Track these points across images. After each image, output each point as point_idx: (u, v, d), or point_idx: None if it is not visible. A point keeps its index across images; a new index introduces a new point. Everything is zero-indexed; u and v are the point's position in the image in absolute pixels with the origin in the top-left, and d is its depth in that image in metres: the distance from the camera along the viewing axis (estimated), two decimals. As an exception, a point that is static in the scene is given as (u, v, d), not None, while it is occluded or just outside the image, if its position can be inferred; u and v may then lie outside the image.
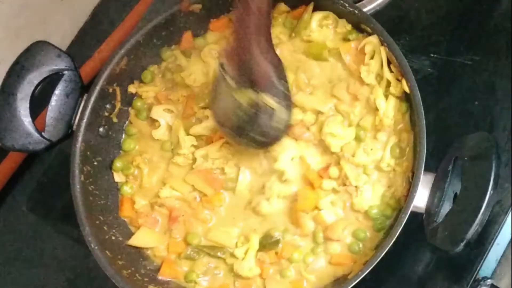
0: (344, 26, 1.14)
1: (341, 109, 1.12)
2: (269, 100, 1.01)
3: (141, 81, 1.22)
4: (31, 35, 1.23)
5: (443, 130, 1.17)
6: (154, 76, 1.22)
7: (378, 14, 1.25)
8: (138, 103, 1.21)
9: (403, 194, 1.06)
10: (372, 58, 1.11)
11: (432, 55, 1.23)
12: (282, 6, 1.19)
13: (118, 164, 1.19)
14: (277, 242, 1.10)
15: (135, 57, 1.18)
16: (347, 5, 1.09)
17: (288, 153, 1.10)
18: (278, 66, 1.03)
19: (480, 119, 1.17)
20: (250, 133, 1.05)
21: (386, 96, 1.09)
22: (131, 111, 1.22)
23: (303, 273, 1.09)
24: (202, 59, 1.20)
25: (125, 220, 1.17)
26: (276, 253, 1.10)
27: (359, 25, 1.12)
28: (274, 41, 1.15)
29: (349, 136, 1.10)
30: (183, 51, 1.21)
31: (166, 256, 1.14)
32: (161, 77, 1.22)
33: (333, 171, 1.10)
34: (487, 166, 0.92)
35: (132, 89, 1.21)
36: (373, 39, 1.10)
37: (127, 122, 1.22)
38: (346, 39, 1.14)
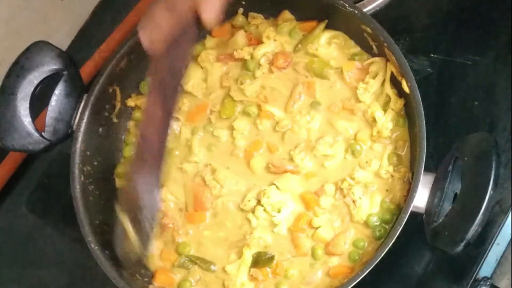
0: (353, 47, 1.15)
1: (338, 125, 1.12)
2: (126, 226, 1.01)
3: (139, 93, 1.22)
4: (31, 35, 1.22)
5: (443, 130, 1.17)
6: None
7: (378, 14, 1.25)
8: (137, 114, 1.21)
9: (403, 195, 1.06)
10: (373, 78, 1.11)
11: (432, 55, 1.23)
12: (287, 14, 1.19)
13: (120, 170, 1.19)
14: (271, 258, 1.08)
15: (135, 57, 1.18)
16: (347, 5, 1.09)
17: (287, 209, 1.10)
18: (154, 198, 1.01)
19: (480, 119, 1.17)
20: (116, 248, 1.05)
21: (385, 110, 1.10)
22: (131, 123, 1.21)
23: (299, 286, 1.08)
24: (199, 64, 1.20)
25: None
26: (271, 269, 1.09)
27: (368, 44, 1.12)
28: (277, 48, 1.17)
29: (341, 153, 1.11)
30: None
31: (159, 264, 1.13)
32: None
33: (329, 187, 1.10)
34: (487, 166, 0.92)
35: (131, 102, 1.20)
36: (380, 60, 1.11)
37: (126, 133, 1.22)
38: (351, 59, 1.15)
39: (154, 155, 0.98)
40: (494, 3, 1.25)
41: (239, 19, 1.20)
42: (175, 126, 1.18)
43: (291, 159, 1.12)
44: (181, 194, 1.15)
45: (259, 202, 1.10)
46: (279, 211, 1.09)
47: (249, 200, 1.11)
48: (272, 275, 1.09)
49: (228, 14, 1.20)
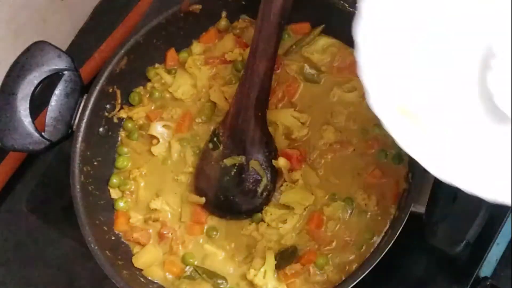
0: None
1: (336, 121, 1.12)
2: (259, 167, 1.08)
3: (130, 104, 1.21)
4: (31, 35, 1.23)
5: (443, 130, 1.17)
6: (141, 96, 1.20)
7: (378, 14, 1.25)
8: (129, 124, 1.19)
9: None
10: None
11: (432, 55, 1.23)
12: None
13: (114, 180, 1.17)
14: (295, 250, 1.06)
15: (135, 57, 1.18)
16: (347, 5, 1.09)
17: (293, 218, 1.09)
18: (270, 140, 1.10)
19: (480, 119, 1.17)
20: (234, 198, 1.10)
21: None
22: (122, 133, 1.20)
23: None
24: (187, 71, 1.19)
25: (119, 233, 1.15)
26: (299, 263, 1.06)
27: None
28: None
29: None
30: (168, 70, 1.21)
31: (163, 276, 1.11)
32: (149, 97, 1.20)
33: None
34: (487, 166, 0.92)
35: (123, 114, 1.19)
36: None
37: (118, 143, 1.21)
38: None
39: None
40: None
41: (223, 22, 1.20)
42: (165, 135, 1.17)
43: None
44: (178, 205, 1.14)
45: (262, 220, 1.09)
46: (285, 222, 1.08)
47: (249, 224, 1.10)
48: (302, 266, 1.05)
49: (212, 19, 1.20)
